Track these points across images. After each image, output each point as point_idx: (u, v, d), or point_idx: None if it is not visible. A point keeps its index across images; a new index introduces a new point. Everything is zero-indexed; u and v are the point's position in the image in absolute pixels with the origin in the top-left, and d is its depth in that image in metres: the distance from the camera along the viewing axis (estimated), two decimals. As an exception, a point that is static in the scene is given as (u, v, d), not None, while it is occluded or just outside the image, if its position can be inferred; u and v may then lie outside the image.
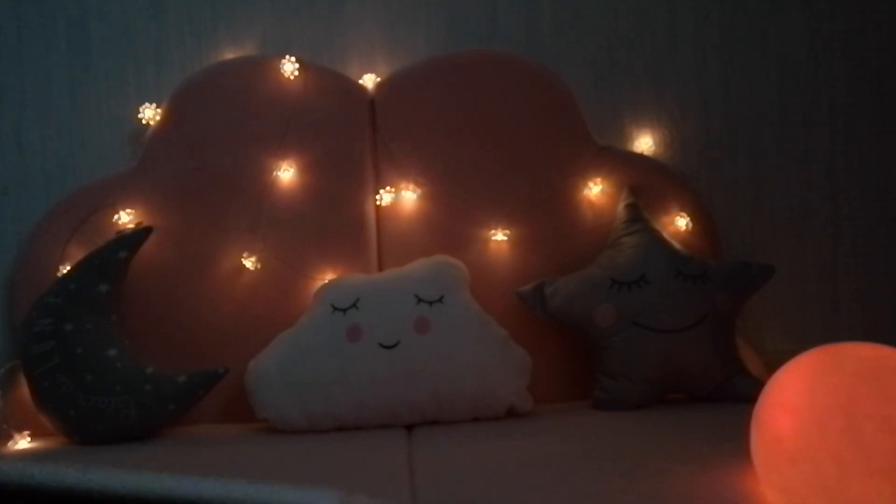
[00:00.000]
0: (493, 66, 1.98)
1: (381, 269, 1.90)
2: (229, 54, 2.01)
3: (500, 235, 1.89)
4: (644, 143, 2.04)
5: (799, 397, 0.90)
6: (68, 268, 1.78)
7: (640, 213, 1.87)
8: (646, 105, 2.07)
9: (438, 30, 2.05)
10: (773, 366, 1.04)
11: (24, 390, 1.72)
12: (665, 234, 1.86)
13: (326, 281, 1.82)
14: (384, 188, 1.90)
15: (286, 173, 1.89)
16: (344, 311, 1.68)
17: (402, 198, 1.90)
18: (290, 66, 1.91)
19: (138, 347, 1.75)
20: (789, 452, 0.88)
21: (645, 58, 2.07)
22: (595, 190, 1.92)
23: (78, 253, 1.81)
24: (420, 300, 1.68)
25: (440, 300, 1.69)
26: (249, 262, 1.84)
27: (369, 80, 2.01)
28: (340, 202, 1.91)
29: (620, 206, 1.89)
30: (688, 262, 1.77)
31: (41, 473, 0.64)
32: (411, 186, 1.90)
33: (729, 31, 2.09)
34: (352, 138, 1.94)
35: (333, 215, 1.90)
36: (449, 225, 1.90)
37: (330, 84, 1.96)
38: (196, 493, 0.62)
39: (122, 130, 1.99)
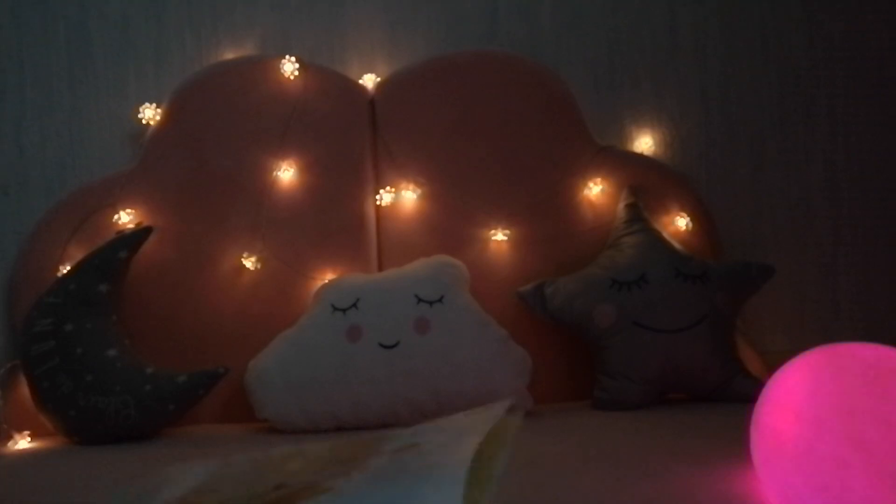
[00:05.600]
0: (493, 66, 1.98)
1: (381, 269, 1.90)
2: (229, 54, 2.01)
3: (500, 235, 1.89)
4: (644, 143, 2.04)
5: (799, 397, 0.89)
6: (68, 268, 1.78)
7: (640, 213, 1.87)
8: (646, 105, 2.07)
9: (438, 30, 2.05)
10: (773, 366, 1.04)
11: (24, 390, 1.72)
12: (665, 234, 1.86)
13: (326, 281, 1.82)
14: (384, 188, 1.90)
15: (286, 173, 1.89)
16: (344, 311, 1.68)
17: (402, 198, 1.90)
18: (290, 66, 1.91)
19: (138, 347, 1.75)
20: (789, 452, 0.88)
21: (645, 58, 2.08)
22: (595, 190, 1.92)
23: (78, 253, 1.81)
24: (420, 300, 1.68)
25: (440, 300, 1.69)
26: (249, 262, 1.84)
27: (369, 80, 2.01)
28: (340, 202, 1.91)
29: (620, 206, 1.89)
30: (688, 262, 1.77)
31: None
32: (411, 186, 1.90)
33: (729, 31, 2.09)
34: (352, 138, 1.94)
35: (333, 215, 1.90)
36: (449, 225, 1.90)
37: (330, 84, 1.96)
38: None
39: (122, 130, 1.99)
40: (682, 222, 1.92)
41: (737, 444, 1.07)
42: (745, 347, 1.86)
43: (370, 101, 1.97)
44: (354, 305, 1.68)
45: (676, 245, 1.83)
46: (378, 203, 1.91)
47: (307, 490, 0.67)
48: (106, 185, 1.90)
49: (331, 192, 1.91)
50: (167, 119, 1.92)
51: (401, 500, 0.62)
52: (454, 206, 1.91)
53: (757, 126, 2.09)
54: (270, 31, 2.03)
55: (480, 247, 1.89)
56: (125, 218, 1.85)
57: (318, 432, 1.64)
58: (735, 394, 1.67)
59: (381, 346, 1.64)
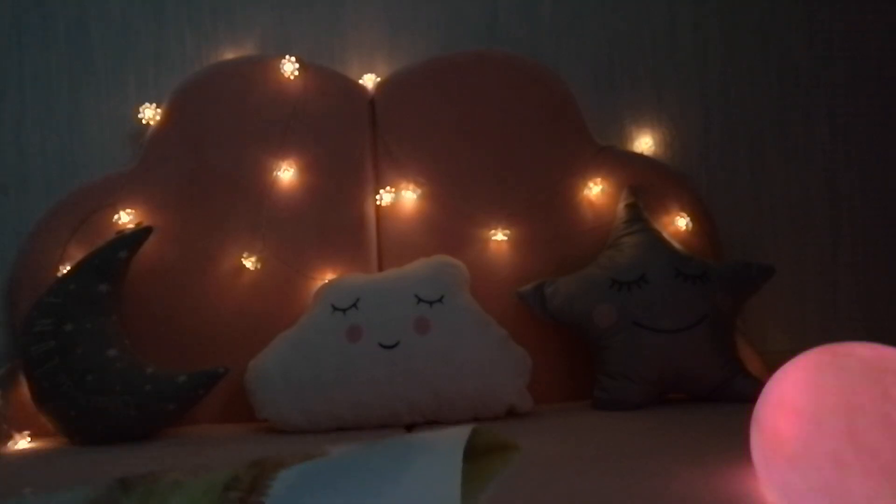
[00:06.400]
0: (493, 66, 1.98)
1: (381, 269, 1.90)
2: (229, 54, 2.01)
3: (500, 235, 1.89)
4: (644, 143, 2.04)
5: (799, 397, 0.89)
6: (68, 268, 1.78)
7: (640, 213, 1.87)
8: (646, 105, 2.07)
9: (438, 30, 2.05)
10: (773, 366, 1.04)
11: (24, 390, 1.72)
12: (665, 234, 1.86)
13: (326, 281, 1.82)
14: (384, 188, 1.90)
15: (286, 173, 1.89)
16: (344, 311, 1.68)
17: (402, 198, 1.90)
18: (290, 66, 1.91)
19: (138, 347, 1.75)
20: (789, 452, 0.88)
21: (645, 58, 2.08)
22: (595, 190, 1.92)
23: (78, 253, 1.81)
24: (420, 300, 1.68)
25: (440, 300, 1.69)
26: (249, 262, 1.84)
27: (369, 80, 2.01)
28: (340, 202, 1.91)
29: (620, 206, 1.89)
30: (688, 262, 1.77)
31: None
32: (411, 186, 1.90)
33: (729, 31, 2.09)
34: (352, 138, 1.94)
35: (333, 215, 1.90)
36: (449, 225, 1.90)
37: (330, 84, 1.96)
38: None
39: (122, 130, 1.99)
40: (682, 222, 1.92)
41: (737, 444, 1.07)
42: (745, 347, 1.86)
43: (370, 101, 1.97)
44: (354, 305, 1.68)
45: (676, 245, 1.83)
46: (378, 203, 1.91)
47: (295, 457, 0.67)
48: (106, 185, 1.90)
49: (331, 192, 1.91)
50: (167, 119, 1.92)
51: (395, 468, 0.62)
52: (454, 206, 1.91)
53: (757, 126, 2.09)
54: (270, 31, 2.03)
55: (480, 247, 1.89)
56: (125, 218, 1.85)
57: (318, 432, 1.64)
58: (735, 394, 1.67)
59: (381, 346, 1.64)
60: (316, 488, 0.63)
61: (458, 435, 0.65)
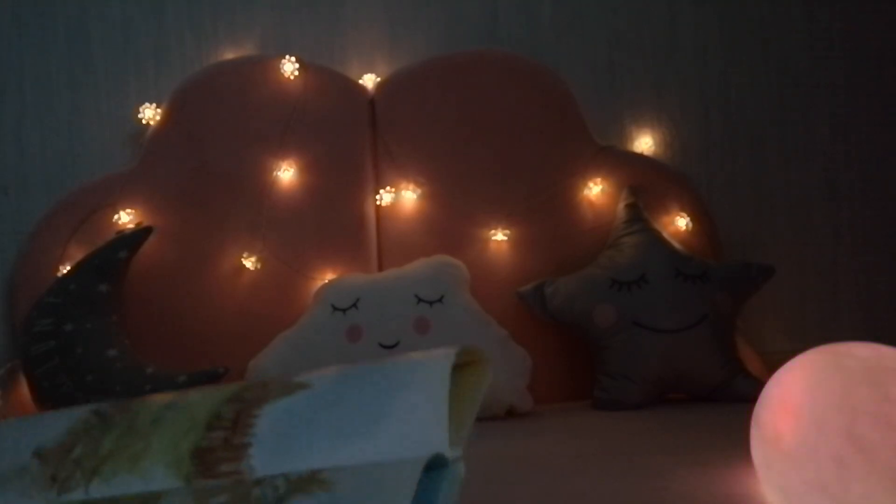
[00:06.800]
0: (493, 66, 1.98)
1: (381, 269, 1.90)
2: (229, 54, 2.01)
3: (500, 235, 1.89)
4: (644, 143, 2.04)
5: (799, 397, 0.89)
6: (68, 268, 1.78)
7: (640, 213, 1.87)
8: (646, 105, 2.07)
9: (438, 30, 2.05)
10: (773, 366, 1.04)
11: (24, 390, 1.72)
12: (665, 234, 1.86)
13: (326, 281, 1.82)
14: (384, 188, 1.90)
15: (286, 173, 1.89)
16: (344, 311, 1.68)
17: (402, 198, 1.90)
18: (290, 66, 1.91)
19: (138, 347, 1.74)
20: (789, 452, 0.88)
21: (645, 58, 2.08)
22: (595, 190, 1.92)
23: (78, 253, 1.81)
24: (420, 300, 1.68)
25: (440, 300, 1.69)
26: (249, 262, 1.84)
27: (369, 80, 2.01)
28: (340, 202, 1.91)
29: (620, 206, 1.89)
30: (688, 262, 1.77)
31: None
32: (411, 186, 1.90)
33: (729, 31, 2.09)
34: (352, 138, 1.94)
35: (333, 215, 1.90)
36: (449, 225, 1.90)
37: (330, 84, 1.96)
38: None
39: (122, 130, 1.98)
40: (682, 222, 1.92)
41: (737, 444, 1.07)
42: (745, 347, 1.86)
43: (370, 101, 1.97)
44: (354, 305, 1.68)
45: (676, 245, 1.83)
46: (378, 203, 1.91)
47: (276, 390, 0.65)
48: (106, 185, 1.90)
49: (331, 192, 1.91)
50: (167, 119, 1.92)
51: (380, 406, 0.61)
52: (454, 206, 1.91)
53: (757, 126, 2.09)
54: (270, 31, 2.03)
55: (480, 247, 1.89)
56: (125, 218, 1.85)
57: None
58: (735, 394, 1.67)
59: (381, 346, 1.64)
60: (301, 428, 0.62)
61: (440, 366, 0.64)
